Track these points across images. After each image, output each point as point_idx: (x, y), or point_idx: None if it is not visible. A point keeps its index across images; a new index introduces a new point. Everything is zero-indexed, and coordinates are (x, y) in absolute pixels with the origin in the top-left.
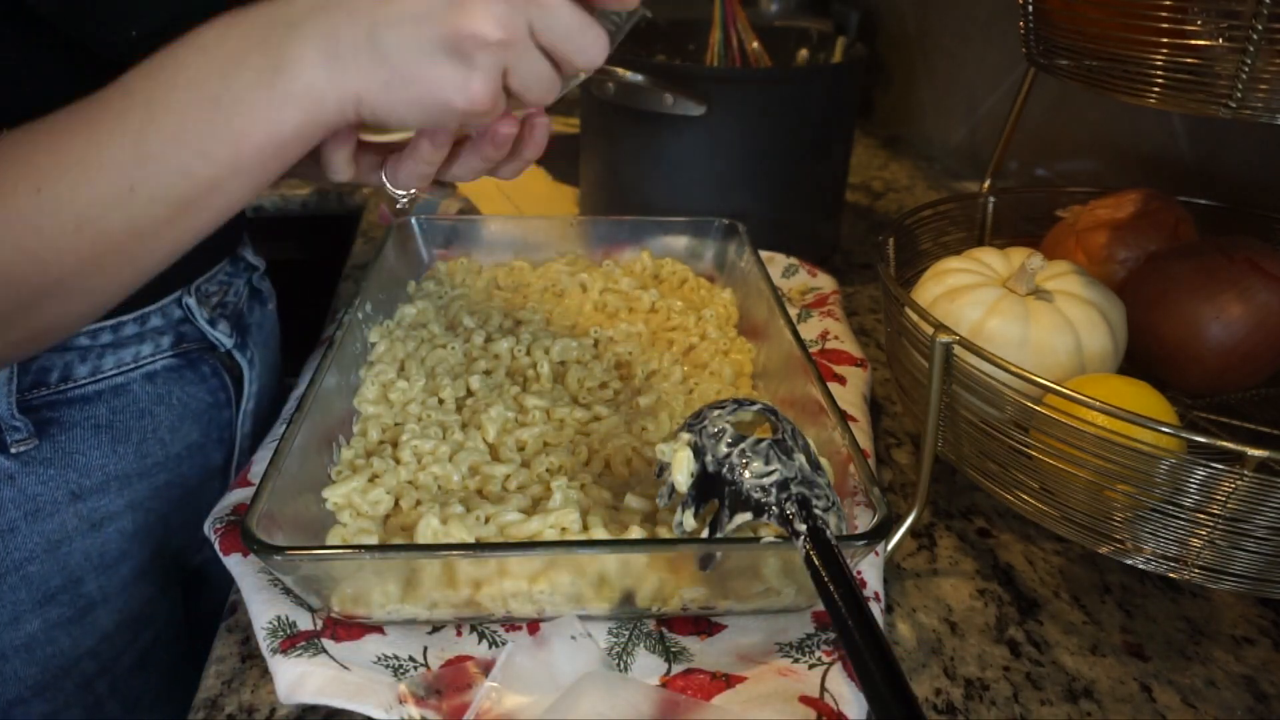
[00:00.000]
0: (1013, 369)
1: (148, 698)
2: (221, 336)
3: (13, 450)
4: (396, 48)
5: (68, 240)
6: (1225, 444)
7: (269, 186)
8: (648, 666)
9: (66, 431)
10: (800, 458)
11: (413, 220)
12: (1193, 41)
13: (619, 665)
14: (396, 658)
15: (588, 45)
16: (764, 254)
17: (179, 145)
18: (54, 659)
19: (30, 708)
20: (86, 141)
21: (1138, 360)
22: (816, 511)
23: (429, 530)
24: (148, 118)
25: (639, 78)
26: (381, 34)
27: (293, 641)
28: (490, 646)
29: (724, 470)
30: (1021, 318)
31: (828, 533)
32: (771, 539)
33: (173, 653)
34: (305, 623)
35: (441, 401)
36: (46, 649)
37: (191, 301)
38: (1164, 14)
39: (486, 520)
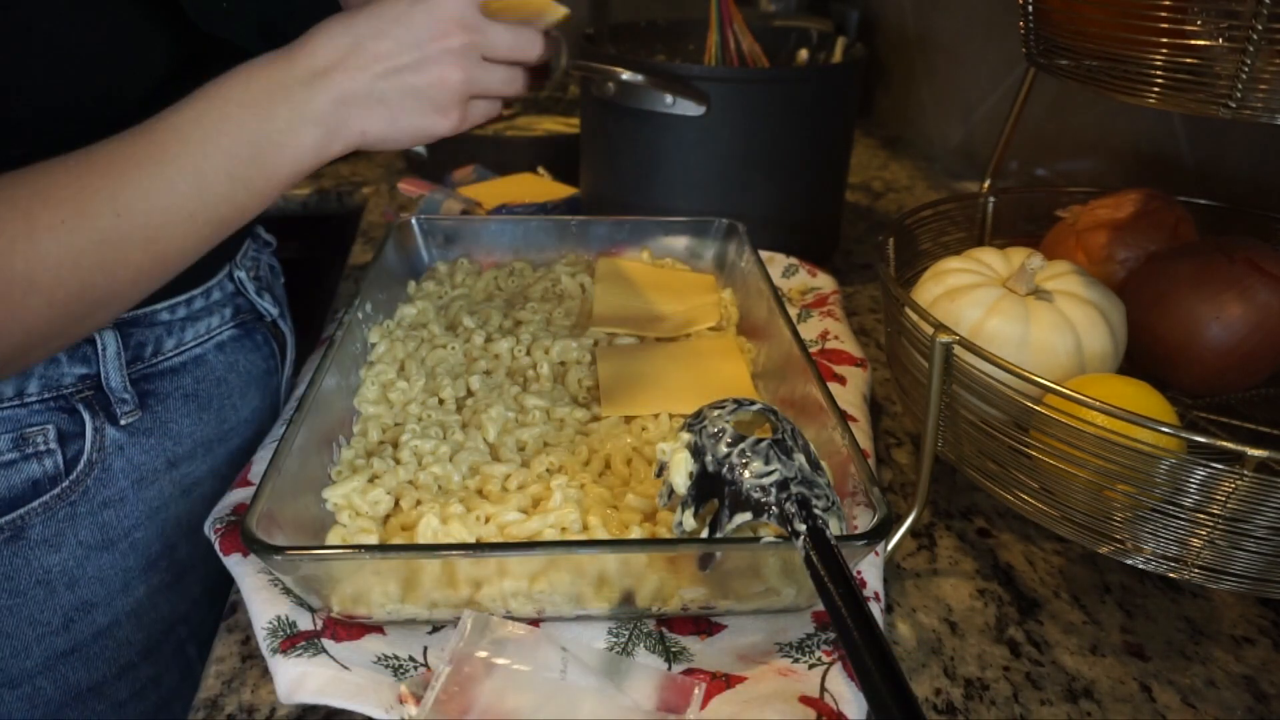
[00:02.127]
0: (1013, 369)
1: None
2: (268, 306)
3: (123, 422)
4: (393, 95)
5: (136, 256)
6: (1225, 444)
7: None
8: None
9: (162, 402)
10: (800, 458)
11: (413, 220)
12: (1193, 41)
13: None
14: (396, 658)
15: (527, 47)
16: (764, 254)
17: (229, 180)
18: (157, 624)
19: (139, 671)
20: (154, 174)
21: (1138, 360)
22: (816, 511)
23: (429, 530)
24: (203, 156)
25: (639, 78)
26: (379, 85)
27: (293, 641)
28: None
29: (724, 470)
30: (1021, 318)
31: (828, 533)
32: (771, 539)
33: None
34: (305, 623)
35: (442, 401)
36: (151, 614)
37: (242, 274)
38: (1164, 14)
39: (486, 520)
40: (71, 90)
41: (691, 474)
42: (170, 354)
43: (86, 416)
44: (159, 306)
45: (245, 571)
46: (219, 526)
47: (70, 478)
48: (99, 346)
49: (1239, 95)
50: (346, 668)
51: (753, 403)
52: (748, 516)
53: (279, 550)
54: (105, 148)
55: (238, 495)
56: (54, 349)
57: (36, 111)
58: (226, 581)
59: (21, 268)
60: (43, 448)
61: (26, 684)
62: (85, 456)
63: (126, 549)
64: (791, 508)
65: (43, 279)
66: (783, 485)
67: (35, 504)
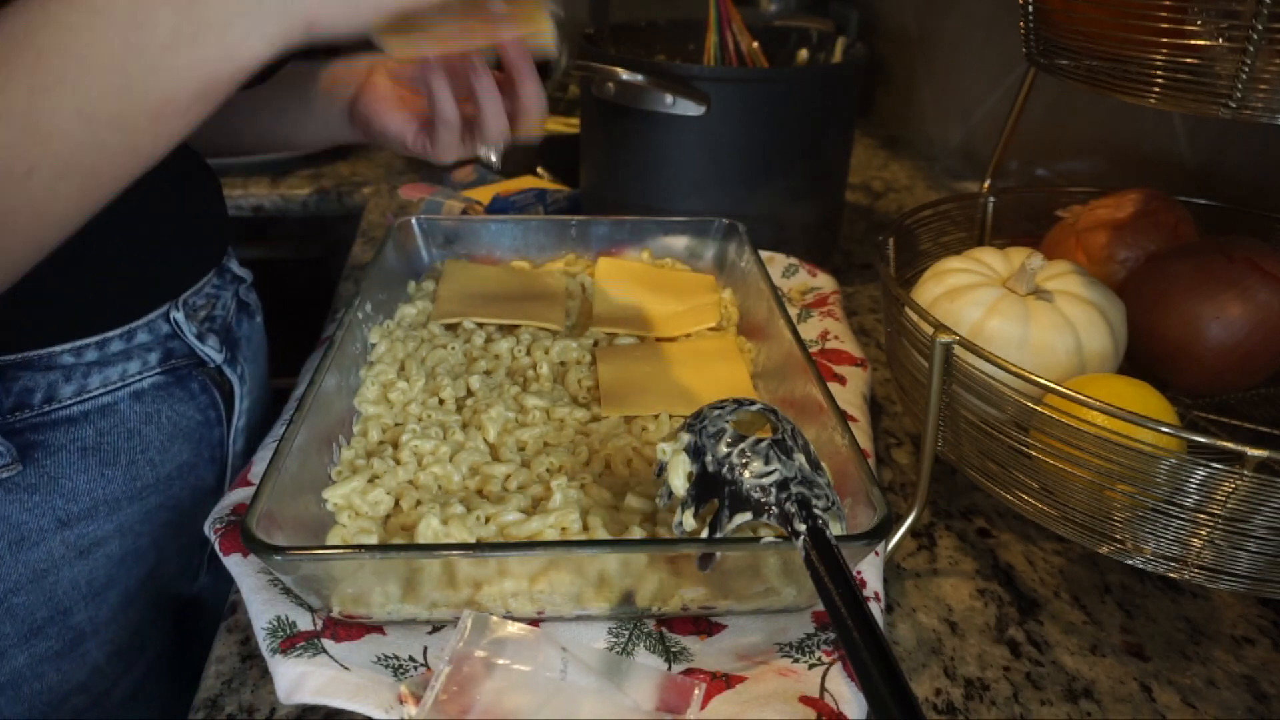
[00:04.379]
0: (1013, 369)
1: None
2: (211, 351)
3: None
4: None
5: (71, 126)
6: (1225, 444)
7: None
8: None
9: (52, 455)
10: (800, 458)
11: (413, 220)
12: (1193, 41)
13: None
14: (396, 658)
15: None
16: (764, 254)
17: (172, 53)
18: (41, 695)
19: None
20: (90, 39)
21: (1138, 360)
22: (816, 511)
23: (429, 530)
24: (138, 23)
25: (639, 78)
26: None
27: (293, 642)
28: None
29: (724, 470)
30: (1021, 318)
31: (828, 533)
32: (771, 539)
33: (166, 684)
34: (305, 623)
35: (442, 402)
36: (33, 685)
37: (179, 316)
38: (1164, 14)
39: (487, 520)
40: None
41: (690, 474)
42: (69, 402)
43: None
44: (60, 348)
45: (245, 571)
46: (219, 527)
47: None
48: None
49: (1239, 95)
50: (346, 668)
51: (753, 403)
52: (748, 516)
53: (279, 550)
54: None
55: (238, 495)
56: None
57: None
58: (137, 643)
59: None
60: None
61: None
62: None
63: (1, 615)
64: (791, 508)
65: None
66: (783, 485)
67: None
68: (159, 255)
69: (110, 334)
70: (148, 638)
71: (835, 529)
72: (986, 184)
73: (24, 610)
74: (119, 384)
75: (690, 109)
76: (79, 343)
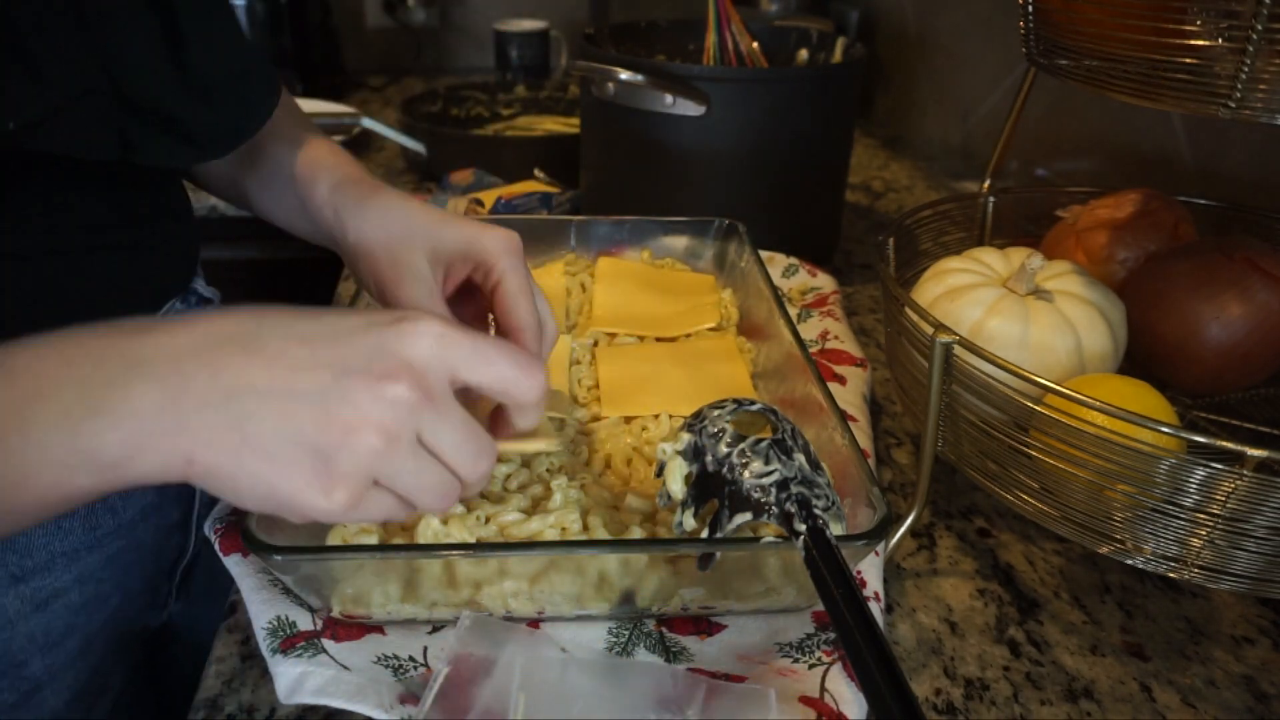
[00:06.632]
0: (1013, 369)
1: None
2: None
3: None
4: (259, 421)
5: None
6: (1225, 444)
7: None
8: None
9: None
10: (800, 458)
11: None
12: (1193, 41)
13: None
14: (396, 658)
15: (476, 460)
16: (764, 254)
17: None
18: None
19: None
20: None
21: (1138, 360)
22: (816, 511)
23: (429, 530)
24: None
25: (639, 78)
26: (246, 400)
27: (293, 642)
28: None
29: (724, 470)
30: (1021, 318)
31: (828, 533)
32: (771, 539)
33: (137, 716)
34: (305, 623)
35: None
36: None
37: None
38: (1164, 14)
39: (487, 520)
40: None
41: (689, 476)
42: None
43: None
44: None
45: (245, 572)
46: (219, 527)
47: None
48: None
49: (1239, 95)
50: (346, 668)
51: (753, 403)
52: (748, 516)
53: (279, 550)
54: None
55: None
56: None
57: None
58: (98, 684)
59: None
60: None
61: None
62: None
63: None
64: (791, 508)
65: None
66: (783, 485)
67: None
68: (115, 292)
69: None
70: (111, 676)
71: (835, 529)
72: (986, 184)
73: None
74: None
75: (690, 109)
76: None
